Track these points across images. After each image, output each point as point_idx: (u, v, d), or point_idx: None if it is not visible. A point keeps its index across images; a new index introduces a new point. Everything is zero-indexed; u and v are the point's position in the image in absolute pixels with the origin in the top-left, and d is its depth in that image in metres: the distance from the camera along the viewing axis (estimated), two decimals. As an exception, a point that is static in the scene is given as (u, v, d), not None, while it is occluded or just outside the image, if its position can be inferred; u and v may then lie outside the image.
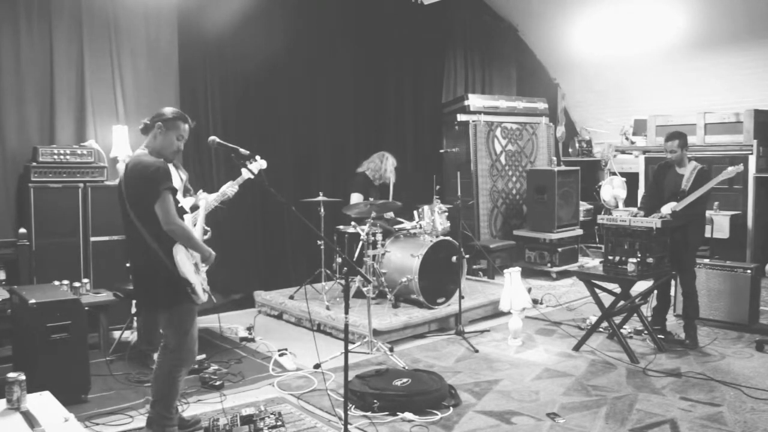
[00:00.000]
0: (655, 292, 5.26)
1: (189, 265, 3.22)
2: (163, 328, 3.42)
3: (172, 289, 3.19)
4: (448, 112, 8.23)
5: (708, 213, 5.88)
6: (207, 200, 4.72)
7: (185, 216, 3.50)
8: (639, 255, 4.76)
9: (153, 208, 3.10)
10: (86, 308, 4.11)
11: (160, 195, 3.10)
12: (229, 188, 4.72)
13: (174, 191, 3.21)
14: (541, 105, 8.69)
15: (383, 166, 6.18)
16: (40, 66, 5.28)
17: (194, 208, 4.71)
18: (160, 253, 3.15)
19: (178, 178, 4.64)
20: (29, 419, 2.89)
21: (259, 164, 4.69)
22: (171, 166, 4.60)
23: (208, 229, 4.16)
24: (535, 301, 6.13)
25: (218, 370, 4.41)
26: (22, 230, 4.83)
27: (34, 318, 3.70)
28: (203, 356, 4.76)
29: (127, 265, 5.26)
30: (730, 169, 4.99)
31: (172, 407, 3.30)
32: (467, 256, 6.19)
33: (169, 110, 3.35)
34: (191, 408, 3.83)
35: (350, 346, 3.91)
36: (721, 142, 7.67)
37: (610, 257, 4.94)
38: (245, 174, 4.73)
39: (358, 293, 5.66)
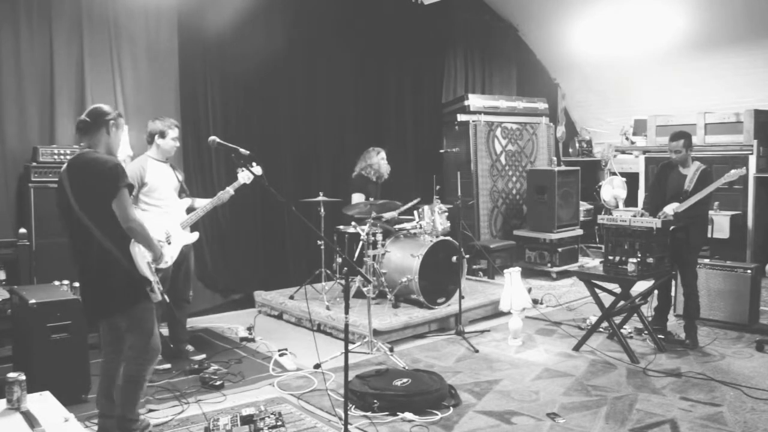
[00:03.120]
0: (656, 292, 5.26)
1: (144, 263, 3.17)
2: (126, 332, 3.28)
3: (130, 289, 3.13)
4: (448, 112, 8.23)
5: (708, 213, 5.87)
6: (203, 204, 4.73)
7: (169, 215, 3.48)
8: (639, 255, 4.76)
9: (108, 207, 3.04)
10: (86, 308, 4.11)
11: (118, 192, 3.04)
12: (224, 193, 4.74)
13: (131, 187, 3.19)
14: (541, 105, 8.69)
15: (377, 159, 6.18)
16: (40, 66, 5.28)
17: (189, 210, 4.73)
18: (117, 252, 3.08)
19: (175, 178, 4.66)
20: (29, 419, 2.89)
21: (255, 170, 4.70)
22: (168, 167, 4.64)
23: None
24: (535, 301, 6.13)
25: (218, 370, 4.41)
26: (22, 230, 4.83)
27: (34, 318, 3.71)
28: (203, 356, 4.77)
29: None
30: (732, 171, 4.97)
31: (136, 409, 3.26)
32: (467, 256, 6.19)
33: (108, 107, 3.30)
34: (191, 408, 3.83)
35: (350, 346, 3.91)
36: (722, 142, 7.67)
37: (611, 257, 4.94)
38: (241, 179, 4.74)
39: (358, 293, 5.66)
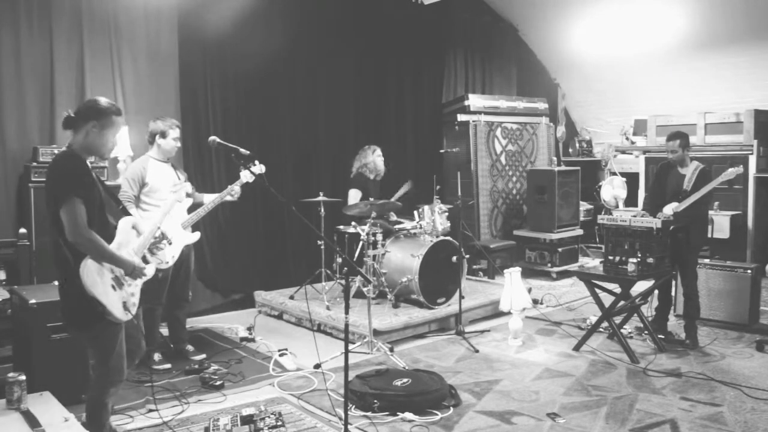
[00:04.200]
0: (656, 292, 5.26)
1: (100, 281, 2.85)
2: (88, 347, 3.17)
3: (86, 307, 2.84)
4: (449, 112, 8.22)
5: (708, 213, 5.88)
6: (207, 201, 4.74)
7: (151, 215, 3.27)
8: (639, 255, 4.76)
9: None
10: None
11: (66, 201, 2.74)
12: (232, 192, 4.73)
13: (91, 200, 2.83)
14: (542, 105, 8.69)
15: (373, 157, 6.22)
16: (40, 66, 5.28)
17: (193, 207, 4.73)
18: (73, 264, 2.82)
19: (176, 178, 4.66)
20: (29, 419, 2.89)
21: (257, 168, 4.71)
22: (170, 167, 4.63)
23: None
24: (535, 301, 6.13)
25: (218, 370, 4.41)
26: (22, 230, 4.83)
27: (34, 318, 3.70)
28: (203, 356, 4.77)
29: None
30: (730, 170, 4.98)
31: (103, 430, 3.08)
32: (467, 256, 6.18)
33: (103, 102, 2.98)
34: (191, 408, 3.83)
35: (350, 346, 3.91)
36: (722, 142, 7.68)
37: (611, 257, 4.94)
38: (244, 177, 4.74)
39: (358, 293, 5.65)
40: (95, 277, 2.83)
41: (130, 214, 3.22)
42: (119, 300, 2.94)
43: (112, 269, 2.94)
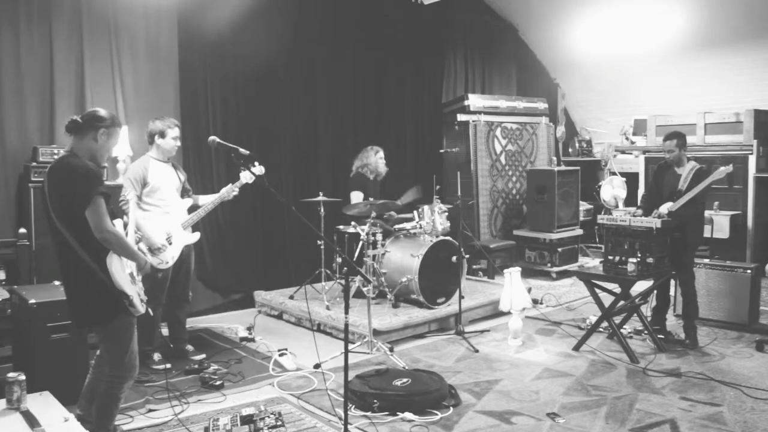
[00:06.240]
0: (655, 291, 5.26)
1: (124, 275, 3.02)
2: (99, 343, 3.22)
3: (106, 302, 2.98)
4: (448, 112, 8.22)
5: (708, 213, 5.89)
6: (206, 202, 4.74)
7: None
8: (639, 255, 4.76)
9: (82, 215, 2.88)
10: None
11: (91, 200, 2.88)
12: (228, 192, 4.73)
13: (107, 196, 2.96)
14: (541, 105, 8.69)
15: (376, 158, 6.21)
16: (40, 66, 5.28)
17: (193, 208, 4.74)
18: (92, 263, 2.94)
19: (177, 178, 4.66)
20: (29, 419, 2.90)
21: (257, 169, 4.72)
22: (170, 166, 4.64)
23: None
24: (535, 301, 6.13)
25: (218, 370, 4.41)
26: (22, 230, 4.83)
27: (34, 318, 3.70)
28: (203, 356, 4.77)
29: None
30: (721, 169, 5.00)
31: (111, 425, 3.15)
32: (467, 256, 6.18)
33: (106, 113, 3.15)
34: (191, 408, 3.83)
35: (350, 346, 3.91)
36: (721, 142, 7.68)
37: (610, 257, 4.94)
38: (243, 178, 4.74)
39: (358, 293, 5.66)
40: (120, 272, 3.00)
41: (124, 213, 3.28)
42: (136, 293, 3.09)
43: (128, 264, 3.10)
